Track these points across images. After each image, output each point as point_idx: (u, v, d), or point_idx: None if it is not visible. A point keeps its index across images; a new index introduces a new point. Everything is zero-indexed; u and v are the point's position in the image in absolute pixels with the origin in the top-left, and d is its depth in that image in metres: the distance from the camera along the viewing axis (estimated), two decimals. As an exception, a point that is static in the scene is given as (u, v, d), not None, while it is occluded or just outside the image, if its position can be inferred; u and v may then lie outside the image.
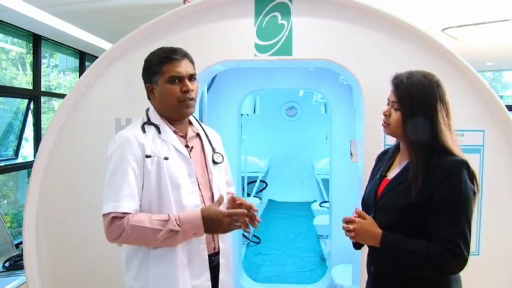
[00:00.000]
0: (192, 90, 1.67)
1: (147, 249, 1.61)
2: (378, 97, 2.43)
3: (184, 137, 1.74)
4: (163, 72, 1.65)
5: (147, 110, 1.75)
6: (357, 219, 1.57)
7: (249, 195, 7.01)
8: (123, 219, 1.54)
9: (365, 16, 2.48)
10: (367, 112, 2.50)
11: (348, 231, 1.57)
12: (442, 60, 2.42)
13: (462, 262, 1.45)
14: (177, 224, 1.56)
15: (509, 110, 2.51)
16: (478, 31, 4.87)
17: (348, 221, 1.58)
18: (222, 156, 1.80)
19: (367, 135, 2.51)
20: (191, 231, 1.58)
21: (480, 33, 5.00)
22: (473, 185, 1.49)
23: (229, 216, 1.60)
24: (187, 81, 1.66)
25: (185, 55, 1.70)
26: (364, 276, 1.92)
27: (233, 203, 1.75)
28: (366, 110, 2.50)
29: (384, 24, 2.48)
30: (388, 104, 1.61)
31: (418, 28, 2.46)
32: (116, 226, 1.54)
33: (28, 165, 4.61)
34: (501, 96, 7.54)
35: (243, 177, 4.97)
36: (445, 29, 4.84)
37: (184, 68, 1.67)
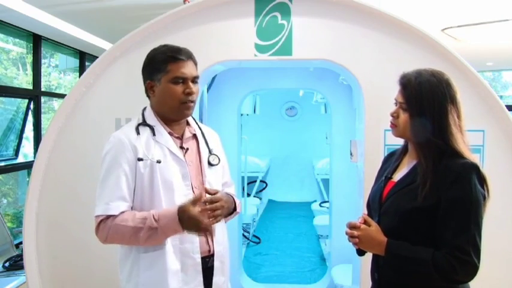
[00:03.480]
0: (194, 93, 1.66)
1: (138, 253, 1.60)
2: (377, 97, 2.44)
3: (180, 138, 1.71)
4: (168, 71, 1.62)
5: (143, 109, 1.72)
6: (362, 226, 1.49)
7: (249, 195, 7.00)
8: (108, 219, 1.56)
9: (365, 16, 2.48)
10: (367, 112, 2.49)
11: (351, 237, 1.50)
12: (442, 60, 2.42)
13: (472, 270, 1.37)
14: (155, 220, 1.53)
15: (509, 110, 2.51)
16: (478, 31, 4.87)
17: (352, 227, 1.51)
18: (219, 158, 1.76)
19: (367, 135, 2.51)
20: (171, 228, 1.52)
21: (480, 33, 5.00)
22: (484, 189, 1.42)
23: (206, 211, 1.53)
24: (190, 84, 1.64)
25: (190, 56, 1.67)
26: (364, 277, 1.92)
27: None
28: (366, 110, 2.50)
29: (384, 24, 2.48)
30: (396, 105, 1.53)
31: (418, 28, 2.46)
32: (102, 227, 1.57)
33: (28, 165, 4.61)
34: (501, 96, 7.54)
35: (243, 177, 4.96)
36: (445, 29, 4.84)
37: (189, 69, 1.64)
